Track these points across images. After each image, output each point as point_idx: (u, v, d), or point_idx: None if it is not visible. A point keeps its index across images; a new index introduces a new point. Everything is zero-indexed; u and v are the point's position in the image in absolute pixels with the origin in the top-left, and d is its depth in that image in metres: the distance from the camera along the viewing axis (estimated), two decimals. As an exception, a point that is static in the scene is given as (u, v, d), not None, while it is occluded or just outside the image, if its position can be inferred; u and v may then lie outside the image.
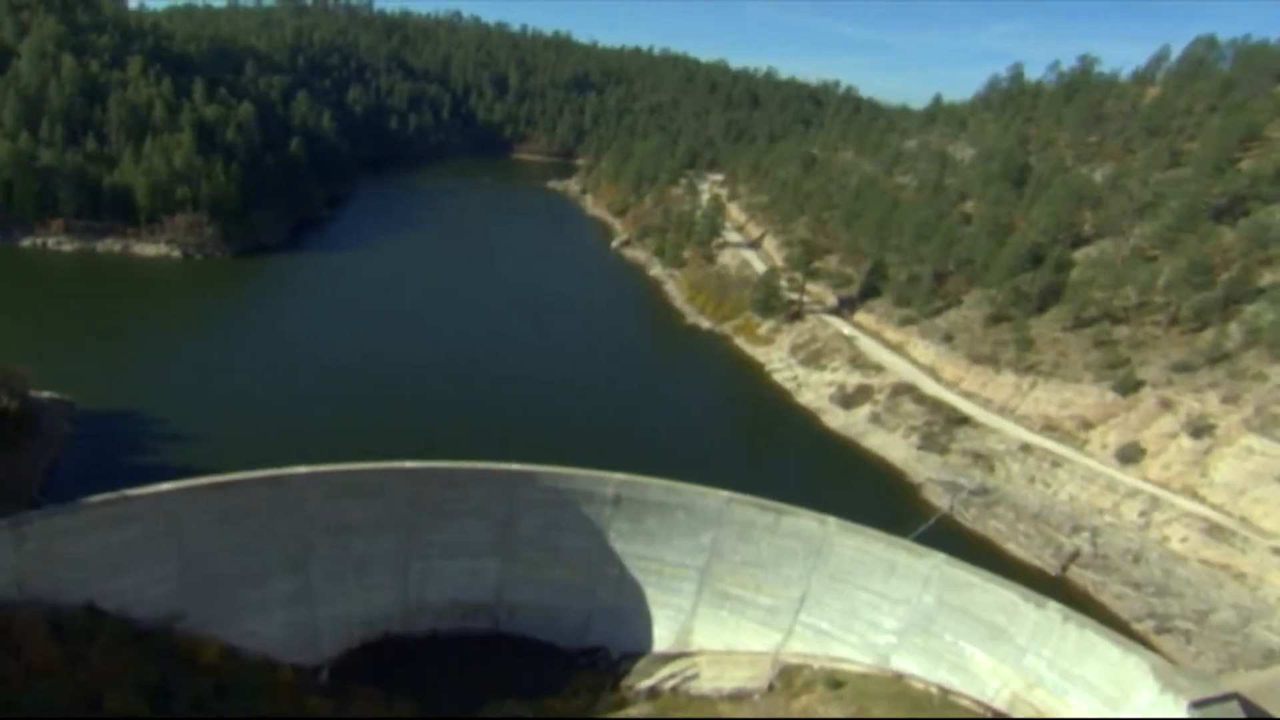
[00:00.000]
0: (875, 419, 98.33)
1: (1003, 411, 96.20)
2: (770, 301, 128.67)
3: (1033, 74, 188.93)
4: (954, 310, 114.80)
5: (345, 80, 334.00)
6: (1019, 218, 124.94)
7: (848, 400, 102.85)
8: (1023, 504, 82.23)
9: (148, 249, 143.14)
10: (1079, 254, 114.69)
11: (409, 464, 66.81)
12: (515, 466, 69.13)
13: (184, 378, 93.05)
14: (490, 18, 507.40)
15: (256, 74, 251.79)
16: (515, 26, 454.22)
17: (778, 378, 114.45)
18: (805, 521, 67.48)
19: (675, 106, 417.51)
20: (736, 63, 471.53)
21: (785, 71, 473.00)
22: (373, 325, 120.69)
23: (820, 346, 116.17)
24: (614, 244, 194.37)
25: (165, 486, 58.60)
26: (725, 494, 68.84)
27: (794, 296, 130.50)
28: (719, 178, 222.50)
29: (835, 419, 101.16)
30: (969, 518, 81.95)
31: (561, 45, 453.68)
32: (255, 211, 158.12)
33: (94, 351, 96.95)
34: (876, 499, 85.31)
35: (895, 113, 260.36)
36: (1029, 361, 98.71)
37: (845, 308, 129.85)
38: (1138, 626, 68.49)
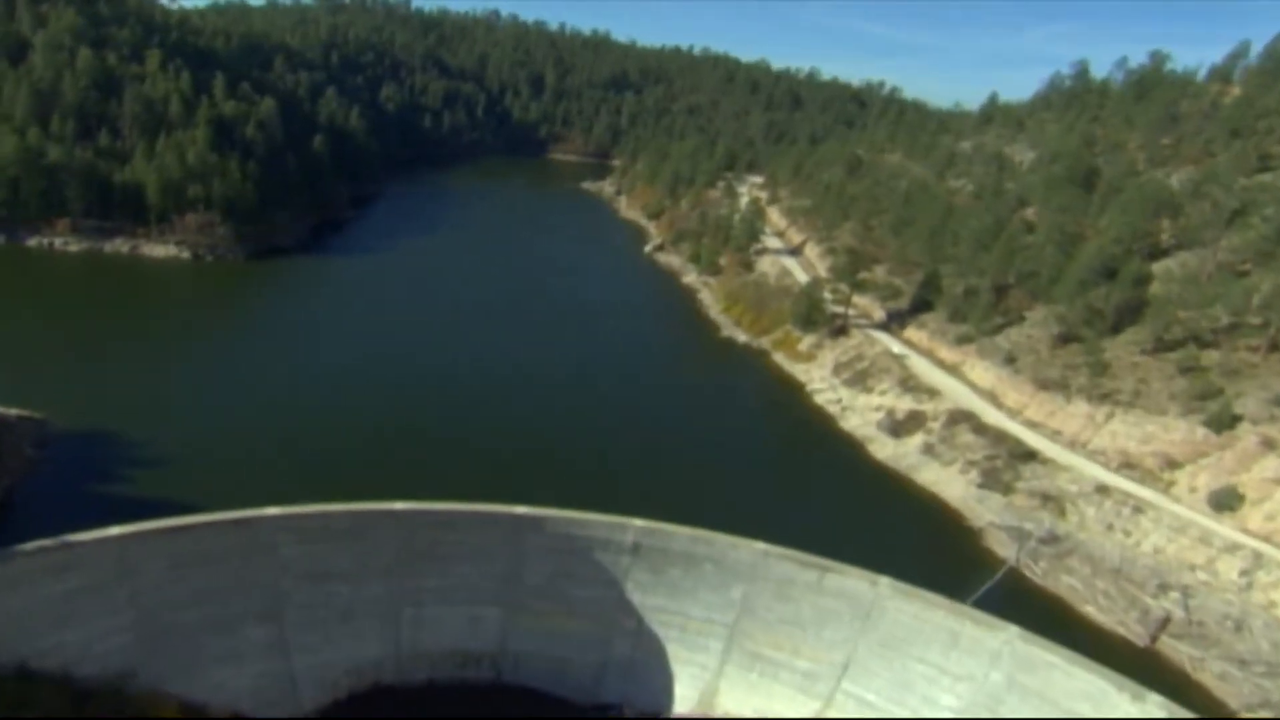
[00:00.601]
0: (929, 450, 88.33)
1: (1074, 445, 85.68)
2: (812, 315, 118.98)
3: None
4: (1016, 328, 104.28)
5: (379, 78, 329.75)
6: (1088, 226, 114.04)
7: (897, 428, 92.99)
8: (1100, 556, 71.83)
9: (157, 250, 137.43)
10: (1157, 267, 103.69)
11: (397, 505, 58.69)
12: (520, 510, 60.69)
13: (175, 394, 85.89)
14: (529, 16, 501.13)
15: (286, 70, 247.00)
16: (553, 25, 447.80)
17: (820, 400, 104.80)
18: (853, 581, 58.15)
19: (714, 107, 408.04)
20: (778, 64, 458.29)
21: (827, 73, 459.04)
22: (383, 335, 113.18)
23: (867, 366, 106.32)
24: (647, 248, 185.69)
25: (114, 531, 51.08)
26: (760, 546, 59.76)
27: (838, 309, 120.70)
28: (759, 180, 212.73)
29: (884, 449, 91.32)
30: (1038, 572, 71.77)
31: (600, 44, 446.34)
32: (273, 211, 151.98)
33: (80, 363, 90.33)
34: (931, 545, 75.62)
35: (944, 114, 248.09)
36: (1104, 389, 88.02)
37: (894, 322, 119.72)
38: (1247, 717, 58.12)
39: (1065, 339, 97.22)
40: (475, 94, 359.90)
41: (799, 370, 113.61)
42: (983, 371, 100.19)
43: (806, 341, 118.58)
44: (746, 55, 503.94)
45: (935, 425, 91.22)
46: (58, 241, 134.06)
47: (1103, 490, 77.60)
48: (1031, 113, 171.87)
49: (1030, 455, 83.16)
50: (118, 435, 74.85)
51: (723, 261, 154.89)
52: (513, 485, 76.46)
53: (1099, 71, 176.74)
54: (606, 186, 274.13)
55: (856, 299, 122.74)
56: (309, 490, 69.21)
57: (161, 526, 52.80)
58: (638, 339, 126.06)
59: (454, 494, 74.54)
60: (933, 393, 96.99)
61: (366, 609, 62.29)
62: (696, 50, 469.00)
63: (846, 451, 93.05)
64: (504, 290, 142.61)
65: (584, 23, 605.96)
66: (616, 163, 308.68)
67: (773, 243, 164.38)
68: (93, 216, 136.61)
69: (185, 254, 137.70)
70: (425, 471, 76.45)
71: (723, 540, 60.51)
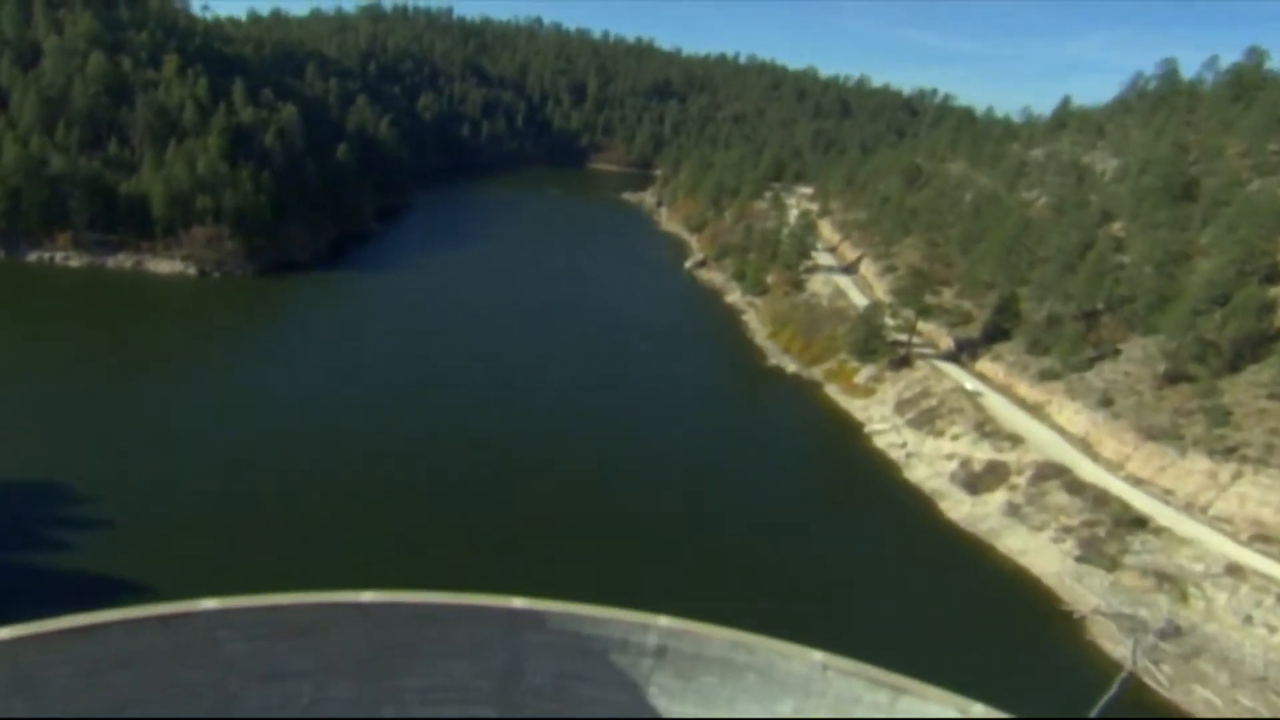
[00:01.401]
0: (1013, 511, 74.95)
1: (1191, 509, 71.73)
2: (871, 342, 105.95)
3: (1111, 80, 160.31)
4: (1110, 363, 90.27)
5: (417, 86, 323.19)
6: (1191, 244, 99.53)
7: (974, 482, 79.73)
8: (1239, 659, 58.07)
9: (161, 265, 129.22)
10: (1276, 292, 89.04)
11: (364, 596, 47.50)
12: (516, 604, 48.51)
13: (137, 438, 75.61)
14: (571, 24, 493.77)
15: (317, 78, 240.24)
16: (596, 33, 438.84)
17: (880, 443, 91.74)
18: (937, 706, 45.57)
19: (760, 115, 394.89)
20: (825, 72, 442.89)
21: (876, 81, 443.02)
22: (389, 361, 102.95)
23: (935, 404, 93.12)
24: (687, 264, 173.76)
25: (3, 634, 40.70)
26: (818, 656, 46.84)
27: (901, 337, 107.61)
28: (808, 191, 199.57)
29: (959, 507, 78.03)
30: (1162, 679, 58.06)
31: (643, 52, 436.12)
32: (289, 224, 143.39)
33: (35, 399, 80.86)
34: (1023, 638, 62.37)
35: (1007, 120, 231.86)
36: (1227, 440, 73.83)
37: (964, 352, 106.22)
38: None
39: (1173, 377, 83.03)
40: (515, 103, 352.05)
41: (856, 407, 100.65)
42: (1073, 414, 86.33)
43: (864, 373, 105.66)
44: (793, 63, 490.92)
45: (1020, 480, 77.80)
46: (59, 256, 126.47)
47: (1235, 571, 63.65)
48: (1111, 117, 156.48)
49: (1139, 522, 69.37)
50: (63, 487, 65.13)
51: (770, 280, 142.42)
52: (526, 543, 65.57)
53: (1187, 71, 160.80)
54: (648, 197, 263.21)
55: (921, 325, 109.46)
56: (288, 555, 58.84)
57: (65, 627, 42.20)
58: (675, 368, 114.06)
59: (461, 551, 64.02)
60: (1015, 439, 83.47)
61: (337, 709, 51.23)
62: (742, 58, 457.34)
63: (913, 507, 79.95)
64: (530, 311, 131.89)
65: (628, 30, 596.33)
66: (658, 173, 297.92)
67: (824, 259, 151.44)
68: (96, 229, 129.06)
69: (191, 270, 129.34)
70: (431, 524, 65.79)
71: (769, 647, 47.91)
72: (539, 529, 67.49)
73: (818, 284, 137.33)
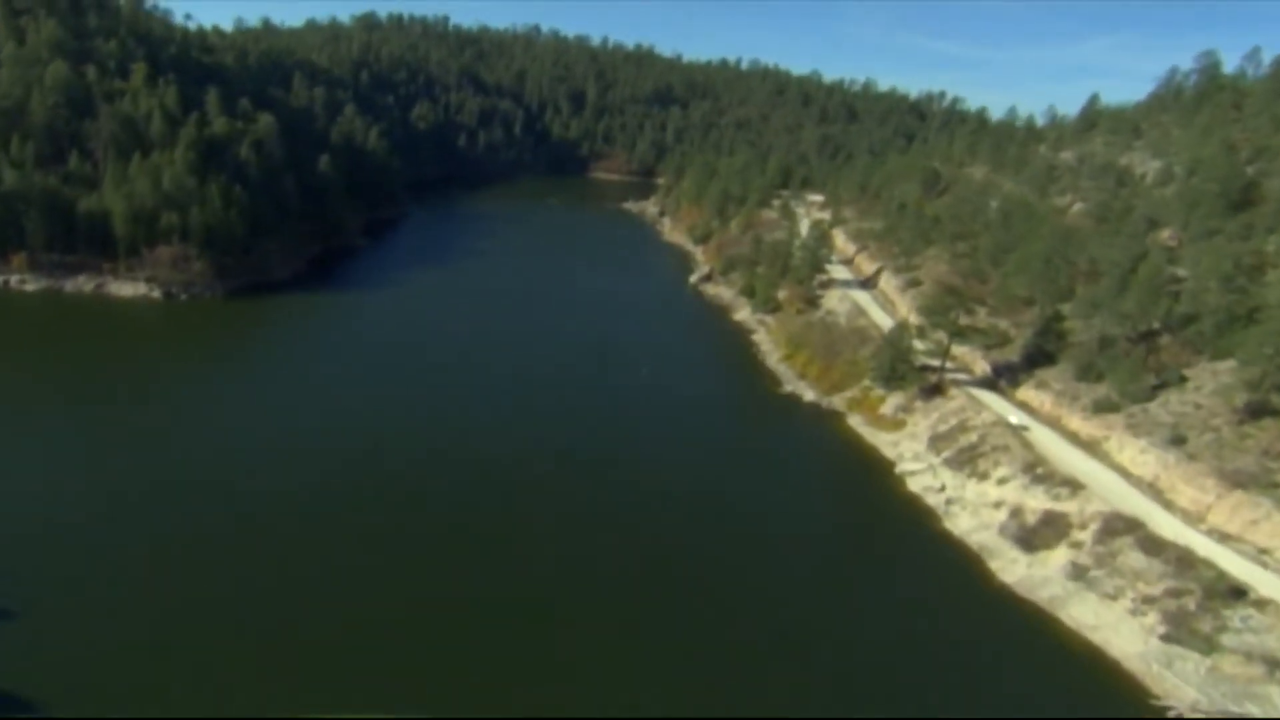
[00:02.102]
0: (1079, 575, 63.76)
1: (1294, 572, 60.64)
2: (898, 368, 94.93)
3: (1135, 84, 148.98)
4: (1177, 392, 79.09)
5: (412, 96, 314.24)
6: (1255, 253, 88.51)
7: (1029, 537, 68.61)
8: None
9: (124, 289, 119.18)
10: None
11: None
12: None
13: (53, 508, 65.44)
14: (570, 31, 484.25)
15: (305, 88, 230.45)
16: (595, 40, 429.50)
17: (915, 485, 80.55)
18: None
19: (765, 121, 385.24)
20: (829, 77, 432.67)
21: (881, 86, 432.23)
22: (358, 396, 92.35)
23: (975, 440, 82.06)
24: (693, 278, 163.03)
25: None
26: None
27: (931, 361, 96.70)
28: (818, 198, 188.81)
29: (1012, 568, 66.82)
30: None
31: (643, 58, 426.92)
32: (265, 241, 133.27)
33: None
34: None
35: (1013, 123, 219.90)
36: (1332, 490, 62.91)
37: (1003, 378, 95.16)
38: None
39: (1255, 411, 71.84)
40: (513, 111, 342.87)
41: (884, 442, 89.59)
42: (1138, 454, 75.06)
43: (891, 402, 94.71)
44: (796, 69, 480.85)
45: (1084, 536, 66.60)
46: (14, 280, 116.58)
47: (1361, 655, 52.53)
48: (1146, 115, 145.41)
49: (1237, 592, 58.12)
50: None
51: (781, 296, 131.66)
52: (527, 599, 55.12)
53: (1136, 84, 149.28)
54: (650, 206, 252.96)
55: (954, 347, 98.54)
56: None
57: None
58: (681, 395, 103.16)
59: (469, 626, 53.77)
60: (1073, 485, 72.26)
61: None
62: (744, 64, 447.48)
63: (957, 566, 68.72)
64: (522, 335, 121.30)
65: (627, 37, 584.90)
66: (661, 181, 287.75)
67: (839, 272, 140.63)
68: (55, 250, 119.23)
69: (155, 292, 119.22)
70: (402, 589, 55.03)
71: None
72: (538, 585, 56.88)
73: (834, 300, 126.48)
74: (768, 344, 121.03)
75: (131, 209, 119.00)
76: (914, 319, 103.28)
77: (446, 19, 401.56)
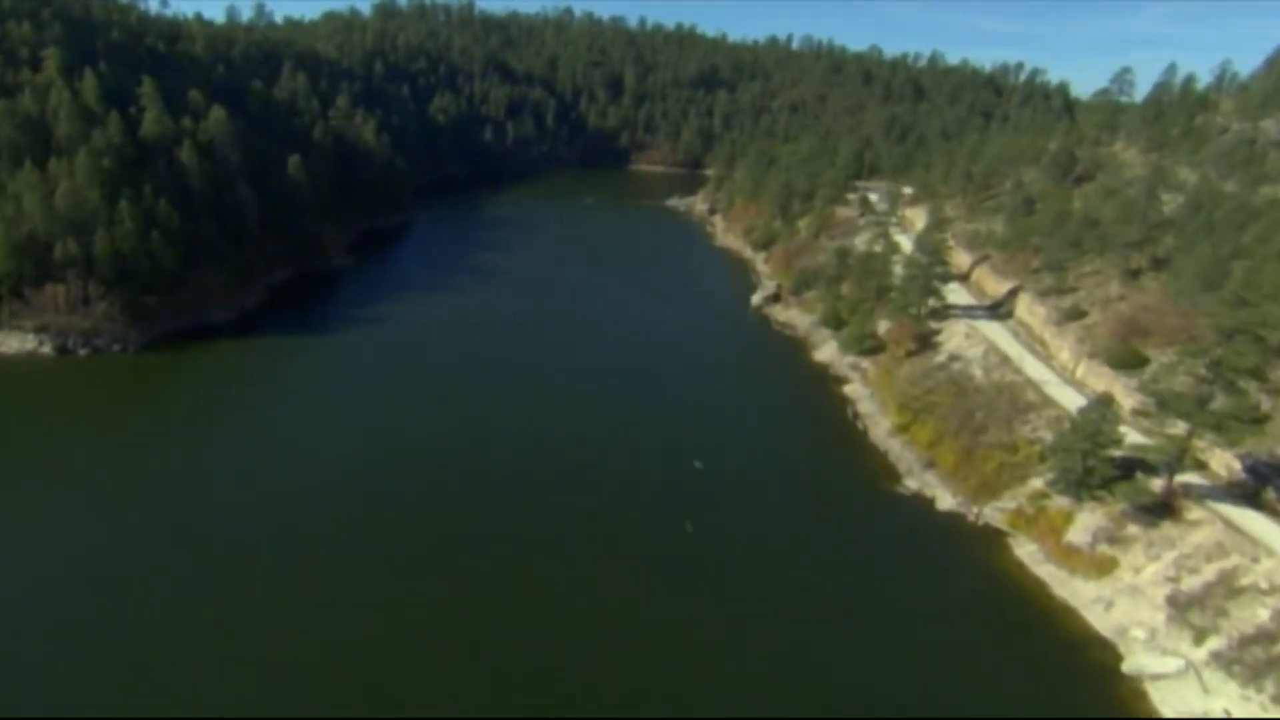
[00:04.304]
0: None
1: None
2: (1090, 465, 60.68)
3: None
4: None
5: (431, 87, 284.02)
6: None
7: None
8: None
9: (10, 341, 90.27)
10: None
11: None
12: None
13: None
14: (605, 14, 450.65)
15: (295, 80, 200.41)
16: (632, 23, 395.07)
17: (1169, 709, 46.42)
18: None
19: (822, 103, 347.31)
20: (890, 53, 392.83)
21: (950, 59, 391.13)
22: (295, 496, 61.20)
23: (1266, 619, 47.74)
24: (755, 298, 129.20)
25: None
26: None
27: (1151, 458, 61.89)
28: (907, 190, 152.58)
29: None
30: None
31: (685, 39, 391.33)
32: (204, 271, 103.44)
33: None
34: None
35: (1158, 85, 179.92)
36: None
37: (1270, 486, 60.25)
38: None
39: None
40: (544, 100, 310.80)
41: (1085, 599, 55.13)
42: None
43: (1084, 524, 60.25)
44: (853, 45, 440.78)
45: None
46: None
47: None
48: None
49: None
50: None
51: (881, 330, 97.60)
52: None
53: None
54: (698, 203, 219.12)
55: (1171, 429, 63.38)
56: None
57: None
58: (751, 507, 69.60)
59: None
60: None
61: None
62: (795, 42, 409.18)
63: None
64: (532, 395, 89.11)
65: (666, 18, 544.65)
66: (710, 173, 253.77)
67: (954, 293, 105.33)
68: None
69: (46, 346, 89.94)
70: None
71: None
72: None
73: (958, 338, 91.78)
74: (869, 405, 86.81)
75: (10, 238, 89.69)
76: (1126, 399, 68.27)
77: (471, 4, 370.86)
